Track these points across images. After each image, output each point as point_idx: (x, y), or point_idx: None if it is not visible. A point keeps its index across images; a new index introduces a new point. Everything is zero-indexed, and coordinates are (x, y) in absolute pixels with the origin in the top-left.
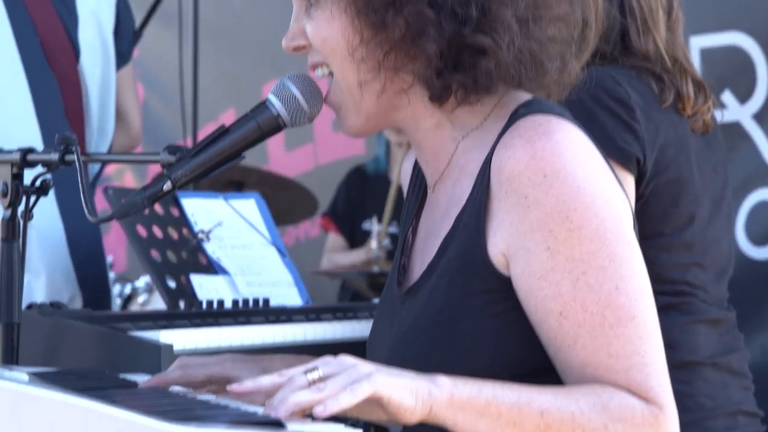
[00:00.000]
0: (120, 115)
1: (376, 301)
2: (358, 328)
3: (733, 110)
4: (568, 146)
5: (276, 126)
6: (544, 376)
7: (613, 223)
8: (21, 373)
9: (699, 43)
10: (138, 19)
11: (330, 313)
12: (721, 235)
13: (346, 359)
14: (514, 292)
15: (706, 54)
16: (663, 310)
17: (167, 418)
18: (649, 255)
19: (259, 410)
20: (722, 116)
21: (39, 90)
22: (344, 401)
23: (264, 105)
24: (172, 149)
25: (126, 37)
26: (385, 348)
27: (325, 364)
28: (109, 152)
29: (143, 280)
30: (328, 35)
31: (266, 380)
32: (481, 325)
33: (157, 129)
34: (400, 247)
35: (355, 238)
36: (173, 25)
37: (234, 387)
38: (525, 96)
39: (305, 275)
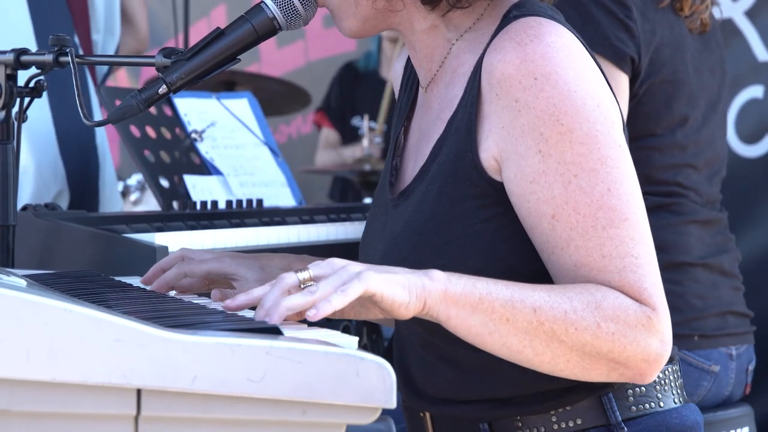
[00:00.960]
0: (127, 18)
1: (368, 200)
2: (351, 230)
3: (725, 7)
4: (559, 49)
5: (271, 28)
6: (537, 281)
7: (604, 126)
8: (19, 278)
9: None
10: None
11: (323, 215)
12: (715, 137)
13: (336, 261)
14: (505, 196)
15: None
16: (654, 210)
17: (163, 324)
18: (640, 155)
19: (252, 315)
20: (720, 13)
21: None
22: (337, 302)
23: (259, 7)
24: (168, 52)
25: None
26: (378, 250)
27: (315, 266)
28: (117, 53)
29: (135, 179)
30: None
31: (258, 292)
32: (473, 230)
33: (150, 25)
34: (392, 148)
35: (346, 132)
36: None
37: (228, 303)
38: None
39: (297, 173)
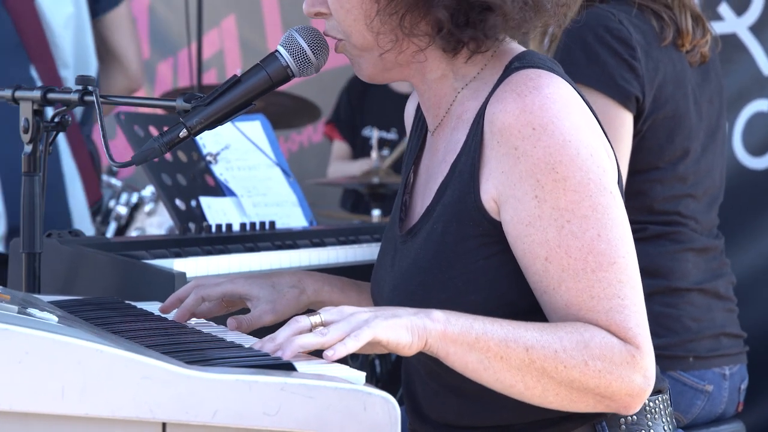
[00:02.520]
0: (115, 57)
1: (376, 212)
2: (360, 252)
3: (729, 22)
4: (557, 100)
5: (285, 76)
6: (533, 316)
7: (597, 175)
8: (49, 313)
9: None
10: None
11: (333, 237)
12: (714, 165)
13: (346, 308)
14: (505, 236)
15: None
16: (655, 239)
17: (185, 359)
18: (643, 187)
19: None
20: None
21: None
22: (351, 346)
23: (273, 56)
24: (188, 97)
25: None
26: (387, 285)
27: (326, 311)
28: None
29: (150, 189)
30: (349, 7)
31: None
32: (475, 267)
33: (164, 34)
34: (402, 186)
35: (357, 143)
36: None
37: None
38: (518, 48)
39: (309, 184)
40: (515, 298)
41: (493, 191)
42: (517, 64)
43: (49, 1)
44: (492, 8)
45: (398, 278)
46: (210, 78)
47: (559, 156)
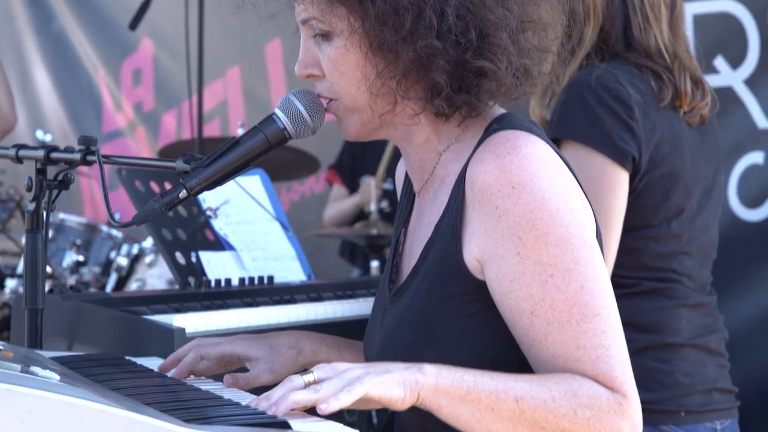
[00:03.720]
0: None
1: (374, 263)
2: (356, 307)
3: (725, 75)
4: (534, 159)
5: (282, 138)
6: (518, 371)
7: (577, 229)
8: (51, 372)
9: (692, 9)
10: None
11: (330, 292)
12: (709, 223)
13: (339, 365)
14: (488, 293)
15: (699, 20)
16: (649, 294)
17: (184, 417)
18: (638, 244)
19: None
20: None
21: None
22: (344, 401)
23: (271, 119)
24: (188, 158)
25: None
26: (376, 346)
27: (320, 369)
28: None
29: (150, 241)
30: (344, 69)
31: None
32: (459, 325)
33: (168, 85)
34: (393, 248)
35: (355, 189)
36: None
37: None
38: (498, 110)
39: (309, 235)
40: (499, 353)
41: (475, 250)
42: (496, 126)
43: None
44: (487, 74)
45: (386, 338)
46: (213, 129)
47: (539, 213)
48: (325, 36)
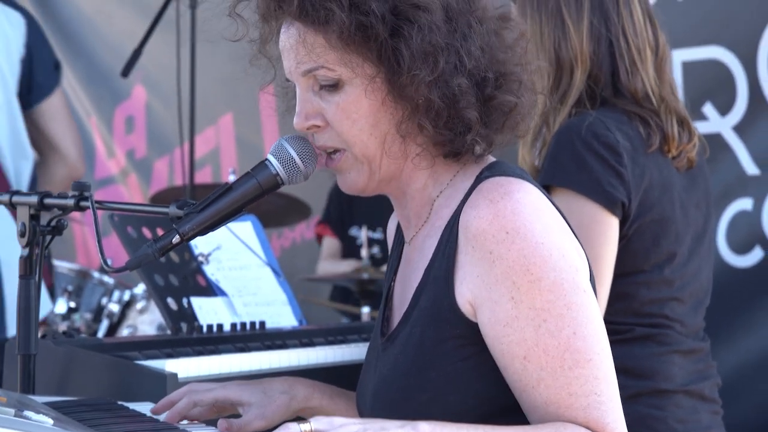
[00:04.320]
0: (52, 147)
1: (365, 309)
2: (348, 353)
3: (714, 122)
4: (527, 205)
5: (275, 183)
6: (512, 414)
7: (570, 274)
8: (44, 416)
9: (681, 56)
10: (142, 30)
11: (322, 337)
12: (700, 269)
13: (336, 419)
14: (482, 337)
15: (688, 67)
16: (641, 341)
17: None
18: (629, 290)
19: None
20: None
21: None
22: None
23: (264, 164)
24: (181, 204)
25: (43, 69)
26: (369, 391)
27: (317, 421)
28: (35, 177)
29: (142, 287)
30: (357, 117)
31: None
32: (453, 369)
33: (160, 132)
34: (383, 299)
35: (347, 241)
36: (173, 30)
37: None
38: (489, 158)
39: (300, 280)
40: (493, 397)
41: (468, 294)
42: (488, 173)
43: None
44: (511, 108)
45: (379, 383)
46: (205, 175)
47: (533, 258)
48: (334, 85)
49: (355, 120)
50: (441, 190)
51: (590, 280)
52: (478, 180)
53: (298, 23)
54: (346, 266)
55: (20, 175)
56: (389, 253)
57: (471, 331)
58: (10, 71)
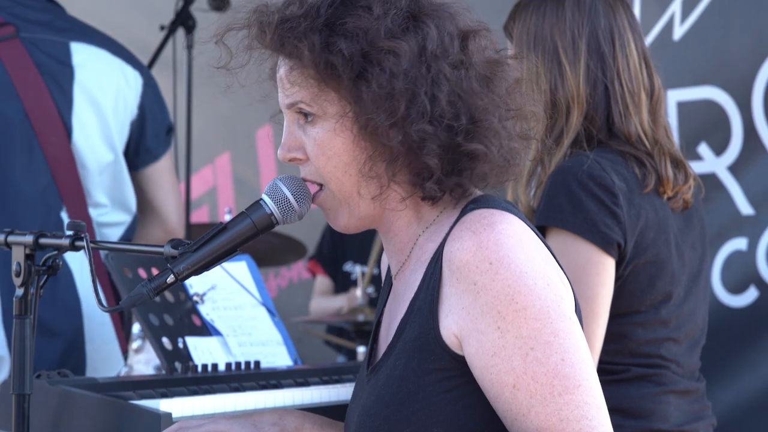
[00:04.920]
0: (153, 210)
1: (360, 349)
2: (343, 392)
3: (709, 162)
4: (510, 235)
5: (269, 223)
6: None
7: (555, 302)
8: None
9: (676, 96)
10: None
11: (317, 377)
12: (696, 309)
13: None
14: (466, 368)
15: (683, 107)
16: (636, 380)
17: None
18: (625, 330)
19: None
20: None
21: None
22: None
23: (258, 204)
24: (175, 243)
25: (153, 134)
26: (354, 422)
27: None
28: (131, 234)
29: (137, 326)
30: (331, 154)
31: None
32: (437, 400)
33: None
34: (372, 334)
35: (339, 278)
36: (169, 70)
37: None
38: (476, 193)
39: (295, 322)
40: (479, 428)
41: (453, 326)
42: (472, 206)
43: (87, 147)
44: (479, 157)
45: (363, 415)
46: (202, 215)
47: (518, 287)
48: (312, 120)
49: (330, 157)
50: (426, 226)
51: (576, 310)
52: (462, 213)
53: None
54: (340, 301)
55: (112, 231)
56: (382, 286)
57: (455, 364)
58: (119, 133)
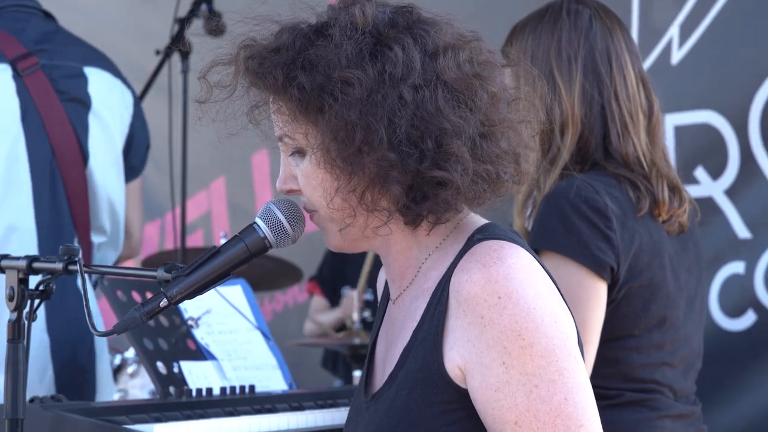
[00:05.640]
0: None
1: (356, 373)
2: (338, 416)
3: (705, 185)
4: (520, 270)
5: (263, 247)
6: None
7: (561, 341)
8: None
9: (673, 120)
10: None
11: (312, 401)
12: (692, 333)
13: None
14: (469, 402)
15: (680, 131)
16: (631, 405)
17: None
18: (619, 355)
19: None
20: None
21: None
22: None
23: (251, 228)
24: (169, 267)
25: (138, 152)
26: None
27: None
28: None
29: (132, 351)
30: (315, 184)
31: None
32: None
33: (151, 196)
34: (368, 355)
35: (335, 301)
36: (165, 94)
37: None
38: (480, 220)
39: (290, 346)
40: None
41: (458, 359)
42: (479, 236)
43: (99, 173)
44: (442, 183)
45: None
46: (197, 240)
47: (525, 323)
48: (299, 152)
49: (315, 187)
50: (429, 253)
51: (579, 345)
52: (469, 243)
53: None
54: (335, 315)
55: (105, 260)
56: (378, 306)
57: (458, 396)
58: (120, 153)
